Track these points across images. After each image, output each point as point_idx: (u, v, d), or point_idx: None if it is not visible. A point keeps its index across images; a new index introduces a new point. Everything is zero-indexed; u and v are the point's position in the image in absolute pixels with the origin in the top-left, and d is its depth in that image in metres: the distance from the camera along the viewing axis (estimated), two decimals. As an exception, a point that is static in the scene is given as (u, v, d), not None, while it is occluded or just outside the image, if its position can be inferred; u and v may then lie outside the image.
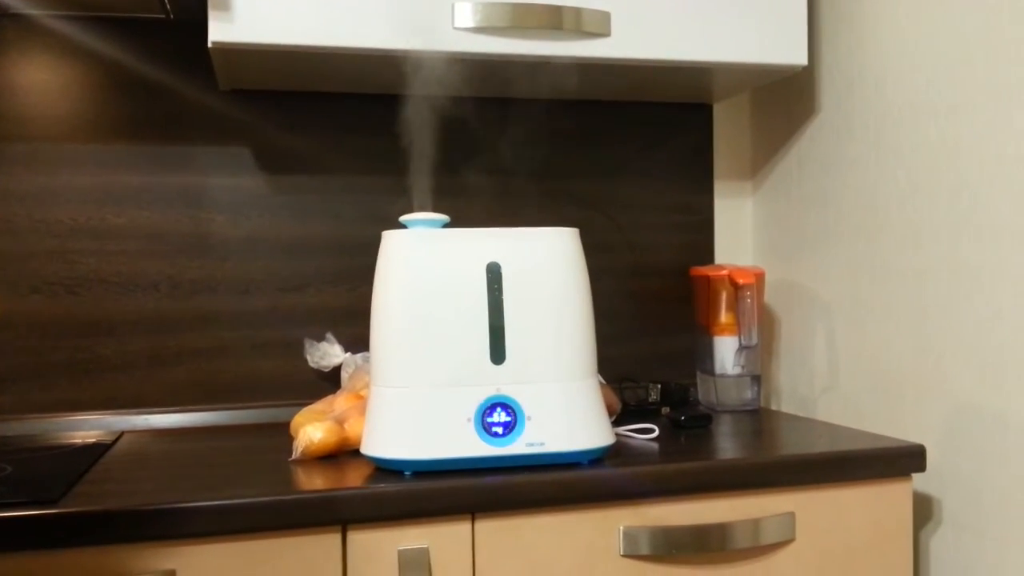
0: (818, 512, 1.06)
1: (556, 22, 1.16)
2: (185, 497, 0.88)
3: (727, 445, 1.12)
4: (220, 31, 1.09)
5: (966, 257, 1.11)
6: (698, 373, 1.45)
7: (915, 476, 1.10)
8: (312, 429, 1.05)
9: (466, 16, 1.15)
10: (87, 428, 1.30)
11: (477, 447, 0.96)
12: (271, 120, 1.37)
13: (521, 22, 1.15)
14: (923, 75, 1.18)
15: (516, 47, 1.17)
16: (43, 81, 1.30)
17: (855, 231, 1.31)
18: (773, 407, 1.52)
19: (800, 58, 1.27)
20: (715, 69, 1.28)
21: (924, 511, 1.17)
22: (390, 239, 1.00)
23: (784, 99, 1.48)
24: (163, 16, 1.29)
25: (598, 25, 1.19)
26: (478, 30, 1.15)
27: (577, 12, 1.17)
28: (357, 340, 1.37)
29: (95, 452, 1.11)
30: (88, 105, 1.31)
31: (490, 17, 1.15)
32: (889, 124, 1.24)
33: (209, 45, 1.10)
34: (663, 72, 1.29)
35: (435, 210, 1.04)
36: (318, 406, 1.17)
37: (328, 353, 1.34)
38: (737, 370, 1.38)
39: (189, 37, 1.33)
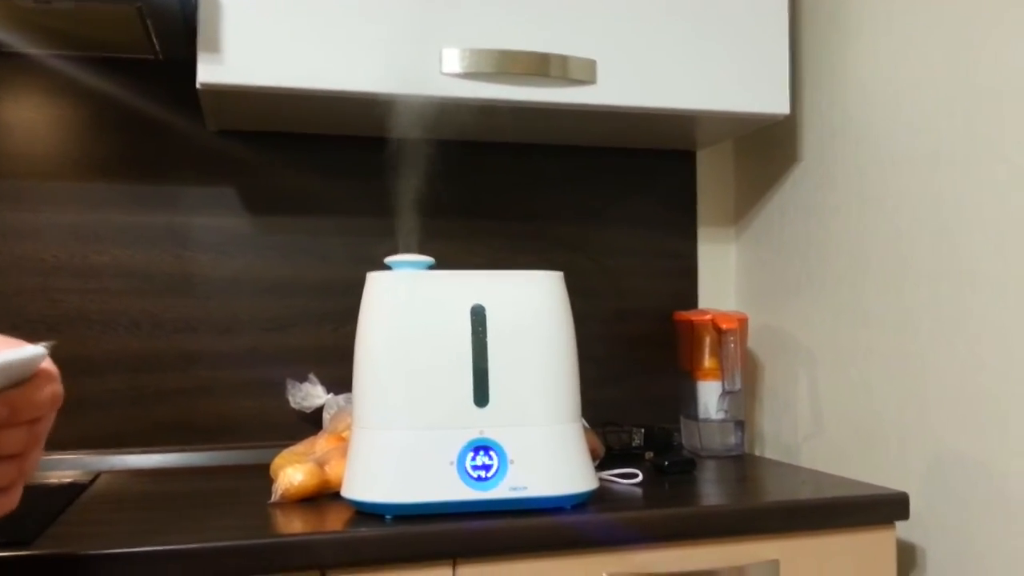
0: (802, 560, 1.05)
1: (543, 69, 1.18)
2: (159, 541, 0.86)
3: (711, 491, 1.11)
4: (209, 72, 1.10)
5: (948, 304, 1.12)
6: (682, 418, 1.45)
7: (899, 524, 1.10)
8: (292, 471, 1.04)
9: (454, 62, 1.16)
10: (64, 468, 1.27)
11: (459, 491, 0.95)
12: (257, 160, 1.38)
13: (508, 68, 1.17)
14: (904, 125, 1.19)
15: (503, 92, 1.18)
16: (29, 119, 1.30)
17: (838, 278, 1.32)
18: (757, 452, 1.51)
19: (782, 107, 1.29)
20: (698, 117, 1.30)
21: (908, 559, 1.17)
22: (375, 280, 1.00)
23: (767, 147, 1.50)
24: (152, 56, 1.30)
25: (584, 72, 1.20)
26: (465, 76, 1.17)
27: (563, 60, 1.19)
28: (340, 381, 1.35)
29: (71, 493, 1.09)
30: (74, 143, 1.31)
31: (478, 63, 1.16)
32: (871, 172, 1.25)
33: (197, 86, 1.11)
34: (647, 119, 1.31)
35: (420, 252, 1.04)
36: (299, 448, 1.16)
37: (310, 394, 1.33)
38: (721, 415, 1.38)
39: (178, 78, 1.33)
